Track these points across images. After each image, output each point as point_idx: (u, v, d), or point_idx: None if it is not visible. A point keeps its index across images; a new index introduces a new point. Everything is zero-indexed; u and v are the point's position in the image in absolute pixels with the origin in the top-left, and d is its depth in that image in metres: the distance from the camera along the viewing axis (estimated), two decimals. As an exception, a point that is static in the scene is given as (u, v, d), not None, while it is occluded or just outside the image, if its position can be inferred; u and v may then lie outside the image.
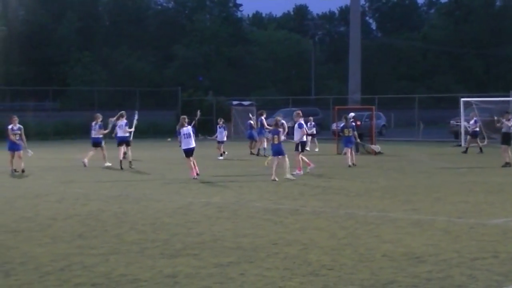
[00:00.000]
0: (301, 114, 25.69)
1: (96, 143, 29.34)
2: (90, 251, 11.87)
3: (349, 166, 28.10)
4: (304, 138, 25.72)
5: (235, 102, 57.90)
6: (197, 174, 24.03)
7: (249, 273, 10.37)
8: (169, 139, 36.59)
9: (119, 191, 20.60)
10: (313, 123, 38.98)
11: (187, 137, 24.19)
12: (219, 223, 14.84)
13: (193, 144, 24.30)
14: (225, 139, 34.66)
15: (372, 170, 27.36)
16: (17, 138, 26.51)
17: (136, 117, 30.11)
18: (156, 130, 56.76)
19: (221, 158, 33.01)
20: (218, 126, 35.37)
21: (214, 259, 11.28)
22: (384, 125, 59.66)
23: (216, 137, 35.01)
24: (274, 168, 23.29)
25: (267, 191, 20.45)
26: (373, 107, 42.29)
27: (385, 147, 37.87)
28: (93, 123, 29.71)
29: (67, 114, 59.68)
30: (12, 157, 26.58)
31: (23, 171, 26.16)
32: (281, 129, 23.72)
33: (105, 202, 18.23)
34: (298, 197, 19.25)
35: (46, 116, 55.63)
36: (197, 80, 76.94)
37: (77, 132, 53.67)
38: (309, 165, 25.75)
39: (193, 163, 24.14)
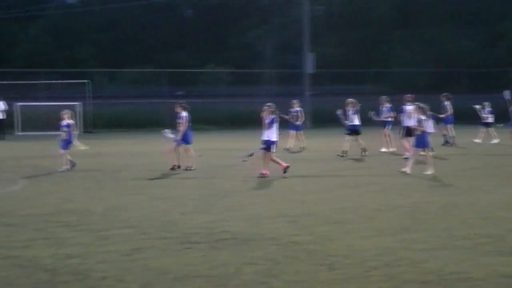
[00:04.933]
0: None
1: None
2: (418, 245, 11.91)
3: None
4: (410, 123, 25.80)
5: None
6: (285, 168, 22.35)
7: None
8: (500, 125, 35.47)
9: (448, 181, 20.52)
10: (488, 109, 35.20)
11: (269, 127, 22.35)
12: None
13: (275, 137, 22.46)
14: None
15: None
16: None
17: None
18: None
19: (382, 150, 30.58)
20: (383, 108, 31.69)
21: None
22: None
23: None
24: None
25: None
26: None
27: None
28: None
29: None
30: (185, 150, 25.01)
31: (178, 167, 24.39)
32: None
33: (431, 193, 18.25)
34: None
35: (366, 101, 56.31)
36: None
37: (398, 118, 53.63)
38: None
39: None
